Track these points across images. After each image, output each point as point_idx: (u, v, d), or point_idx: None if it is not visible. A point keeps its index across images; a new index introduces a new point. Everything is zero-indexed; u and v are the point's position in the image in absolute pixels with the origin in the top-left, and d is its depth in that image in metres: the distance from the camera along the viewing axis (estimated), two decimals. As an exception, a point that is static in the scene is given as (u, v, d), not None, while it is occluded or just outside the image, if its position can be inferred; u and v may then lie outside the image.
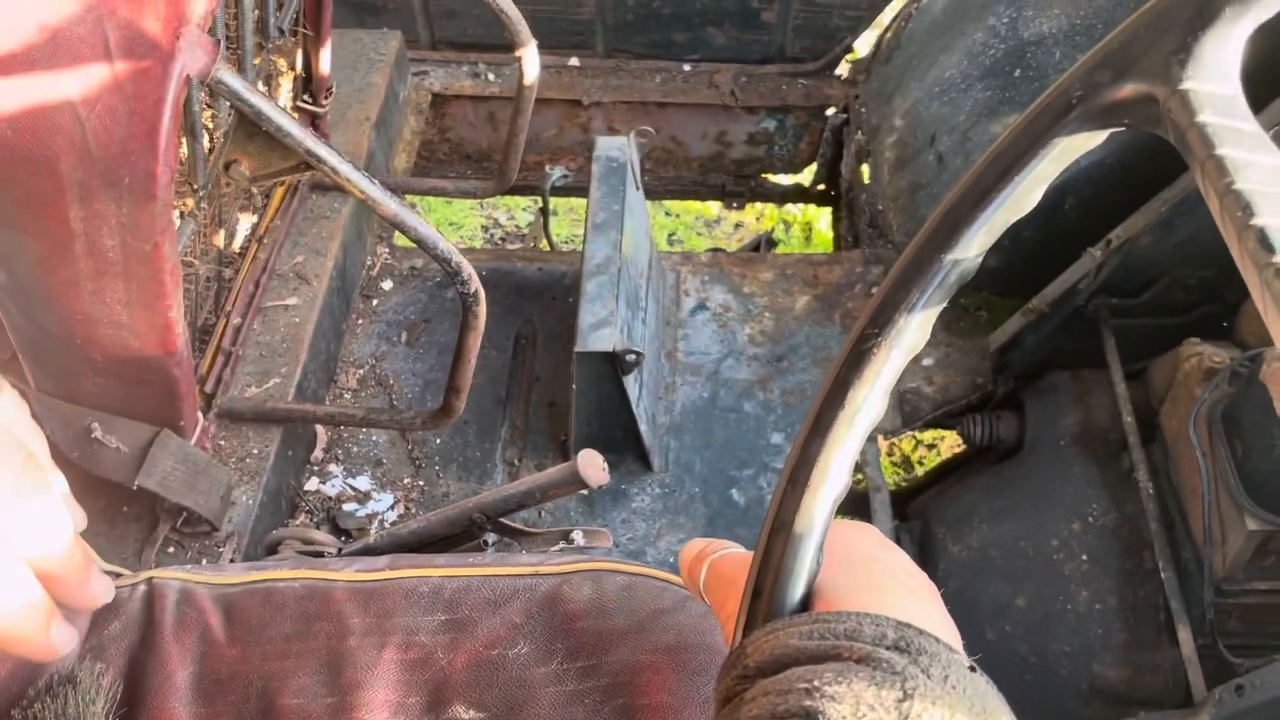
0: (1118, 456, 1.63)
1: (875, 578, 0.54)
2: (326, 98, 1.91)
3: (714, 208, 3.23)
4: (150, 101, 1.04)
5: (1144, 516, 1.54)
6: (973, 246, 0.63)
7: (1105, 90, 0.55)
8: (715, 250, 2.35)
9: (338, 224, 1.96)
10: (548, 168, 2.28)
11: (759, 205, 3.05)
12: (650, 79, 2.50)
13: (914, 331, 0.65)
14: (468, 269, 1.45)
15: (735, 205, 2.72)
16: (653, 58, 2.51)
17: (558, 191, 2.42)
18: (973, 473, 1.92)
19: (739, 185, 2.64)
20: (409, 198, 2.76)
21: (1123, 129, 0.57)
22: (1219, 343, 1.49)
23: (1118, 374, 1.62)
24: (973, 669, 0.45)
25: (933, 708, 0.42)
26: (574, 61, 2.50)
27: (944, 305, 0.63)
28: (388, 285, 2.07)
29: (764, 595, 0.50)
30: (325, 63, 1.84)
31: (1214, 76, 0.53)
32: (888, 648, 0.44)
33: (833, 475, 0.52)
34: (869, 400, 0.56)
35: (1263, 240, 0.50)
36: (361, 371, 1.96)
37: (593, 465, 1.19)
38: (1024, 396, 1.82)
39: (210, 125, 1.46)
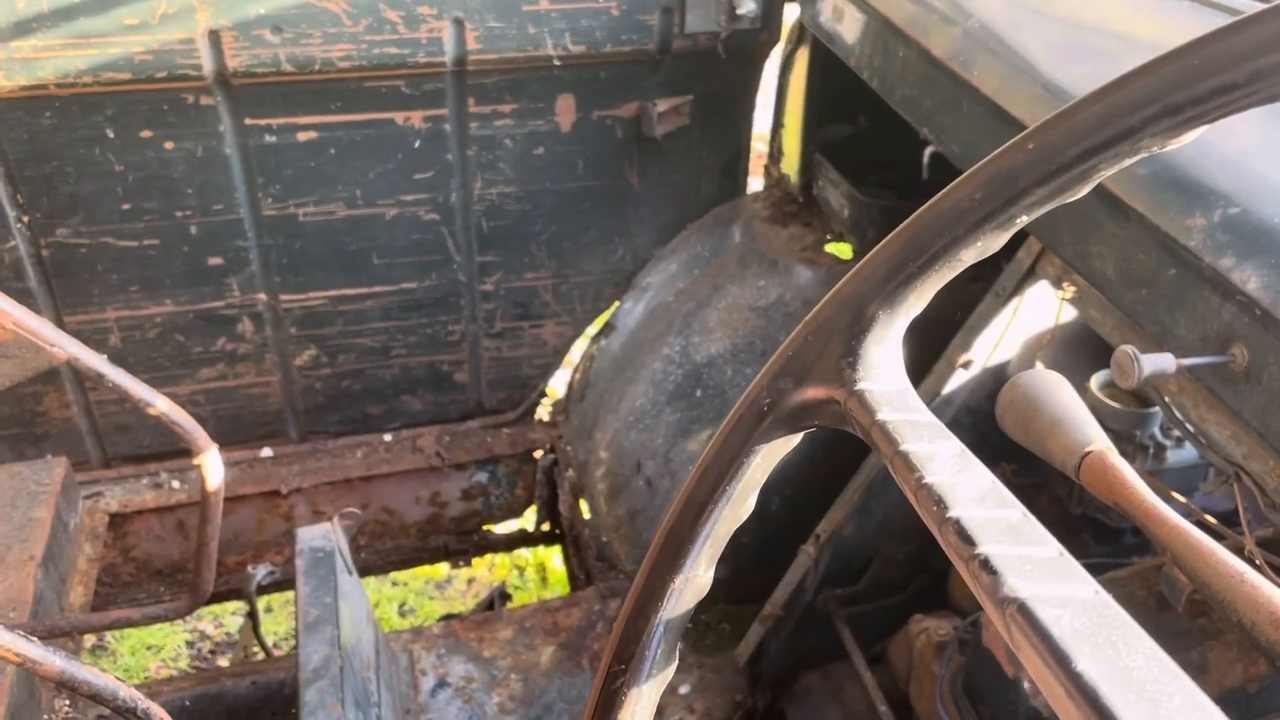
0: (885, 746, 1.62)
1: None
2: (-24, 546, 1.70)
3: (443, 568, 3.12)
4: None
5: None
6: (701, 562, 0.61)
7: (790, 396, 0.57)
8: (448, 617, 2.23)
9: (1, 687, 1.68)
10: (250, 568, 2.11)
11: (488, 556, 2.98)
12: (351, 455, 2.45)
13: (662, 660, 0.61)
14: (158, 714, 1.26)
15: (462, 563, 2.63)
16: (350, 434, 2.48)
17: (267, 590, 2.25)
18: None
19: (462, 542, 2.57)
20: (89, 638, 2.47)
21: (815, 429, 0.59)
22: (940, 613, 1.55)
23: (861, 663, 1.64)
24: None
25: None
26: (267, 452, 2.41)
27: (687, 624, 0.60)
28: (70, 745, 1.77)
29: None
30: (-29, 509, 1.65)
31: (883, 375, 0.56)
32: None
33: None
34: None
35: (961, 533, 0.50)
36: None
37: None
38: (784, 705, 1.79)
39: None
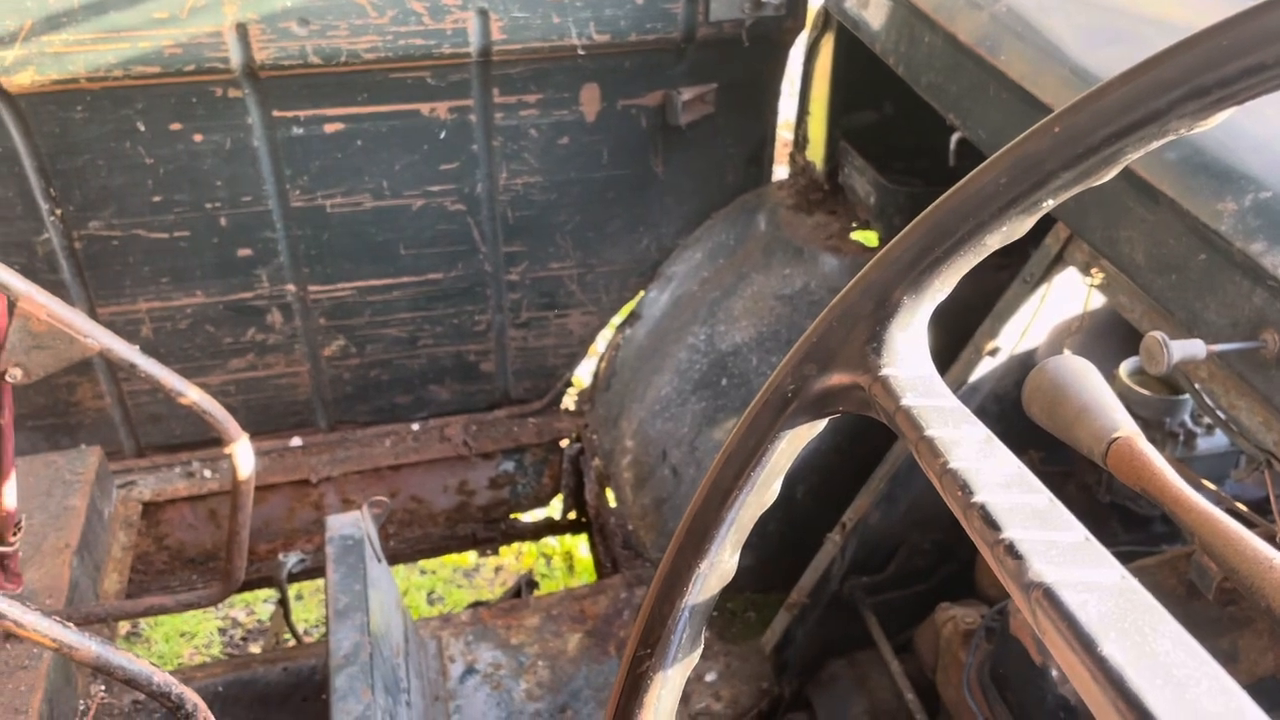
0: (912, 734, 1.61)
1: None
2: (15, 534, 1.73)
3: (471, 556, 3.14)
4: None
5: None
6: (725, 548, 0.62)
7: (815, 382, 0.57)
8: (476, 605, 2.25)
9: (39, 673, 1.71)
10: (281, 555, 2.14)
11: (516, 545, 3.00)
12: (380, 444, 2.47)
13: (687, 645, 0.61)
14: (191, 700, 1.29)
15: (490, 551, 2.65)
16: (379, 423, 2.50)
17: (297, 577, 2.27)
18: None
19: (489, 531, 2.59)
20: (123, 625, 2.51)
21: (839, 415, 0.59)
22: (967, 601, 1.54)
23: (887, 651, 1.64)
24: None
25: None
26: (297, 441, 2.44)
27: (712, 610, 0.60)
28: (106, 729, 1.80)
29: None
30: (10, 498, 1.68)
31: (907, 360, 0.56)
32: None
33: None
34: None
35: (986, 518, 0.50)
36: (81, 843, 1.65)
37: None
38: (810, 693, 1.79)
39: None
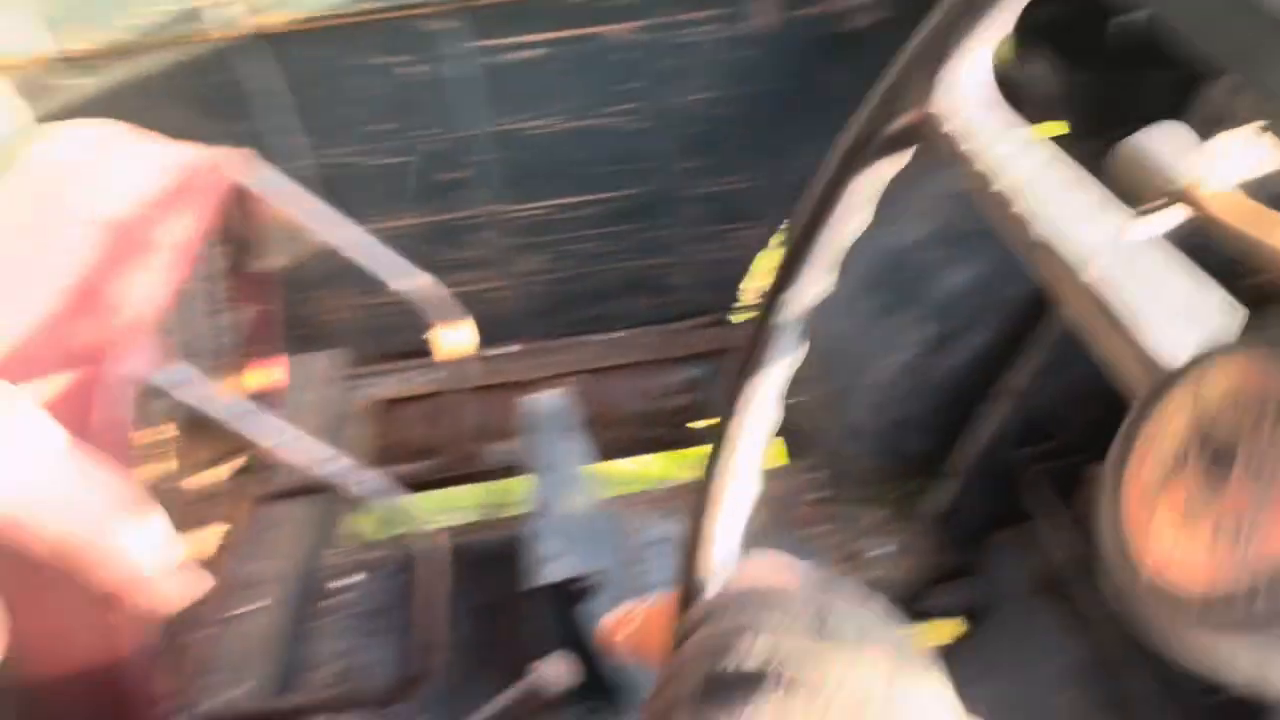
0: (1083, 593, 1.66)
1: None
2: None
3: (654, 469, 3.32)
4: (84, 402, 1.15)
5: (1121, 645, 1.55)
6: (814, 278, 0.77)
7: (887, 124, 0.70)
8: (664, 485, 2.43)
9: (300, 528, 2.02)
10: (492, 448, 2.39)
11: (705, 448, 3.16)
12: (575, 352, 2.68)
13: (789, 347, 0.78)
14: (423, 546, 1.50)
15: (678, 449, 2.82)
16: (574, 334, 2.71)
17: (507, 471, 2.52)
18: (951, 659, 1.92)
19: (677, 434, 2.76)
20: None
21: (915, 148, 0.71)
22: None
23: (1053, 520, 1.68)
24: None
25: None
26: (503, 350, 2.68)
27: (805, 344, 0.76)
28: (354, 579, 2.11)
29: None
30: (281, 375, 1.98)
31: (973, 95, 0.66)
32: None
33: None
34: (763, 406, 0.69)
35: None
36: (335, 668, 1.95)
37: (554, 669, 1.21)
38: (977, 564, 1.86)
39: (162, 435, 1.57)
